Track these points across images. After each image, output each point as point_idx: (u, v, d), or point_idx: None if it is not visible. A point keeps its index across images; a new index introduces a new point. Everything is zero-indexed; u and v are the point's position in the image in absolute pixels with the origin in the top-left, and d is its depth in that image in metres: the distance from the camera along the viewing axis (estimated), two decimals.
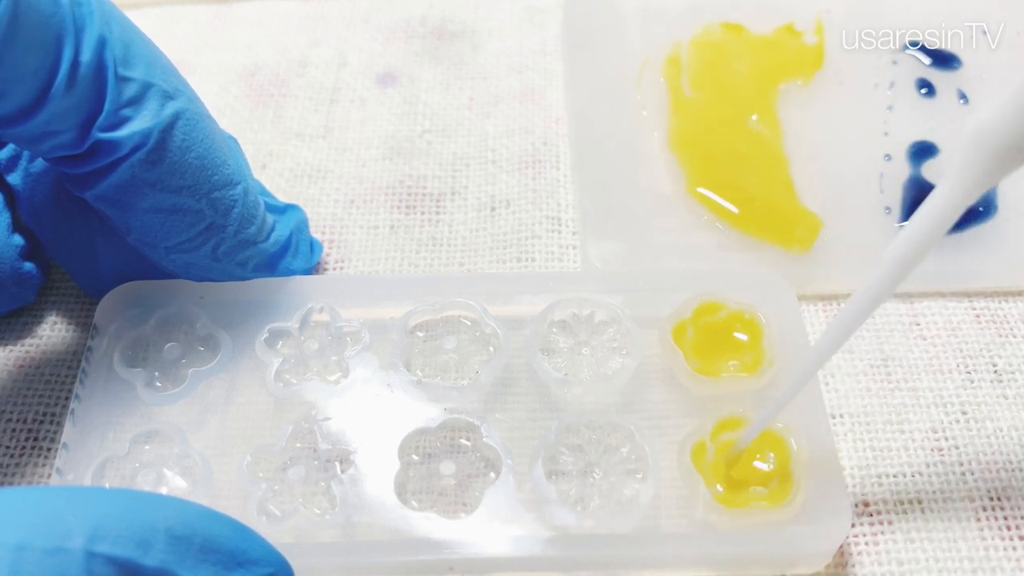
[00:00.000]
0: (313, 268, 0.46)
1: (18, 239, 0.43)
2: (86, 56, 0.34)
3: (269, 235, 0.43)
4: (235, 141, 0.44)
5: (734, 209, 0.47)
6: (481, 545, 0.36)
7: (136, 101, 0.36)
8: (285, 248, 0.44)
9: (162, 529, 0.28)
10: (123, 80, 0.36)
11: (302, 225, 0.46)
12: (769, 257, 0.46)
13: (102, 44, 0.35)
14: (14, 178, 0.42)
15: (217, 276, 0.42)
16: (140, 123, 0.36)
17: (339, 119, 0.54)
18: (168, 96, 0.37)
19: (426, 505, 0.38)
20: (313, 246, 0.46)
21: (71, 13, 0.34)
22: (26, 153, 0.42)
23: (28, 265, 0.44)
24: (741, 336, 0.41)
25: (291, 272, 0.44)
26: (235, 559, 0.29)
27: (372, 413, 0.39)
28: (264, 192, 0.45)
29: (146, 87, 0.37)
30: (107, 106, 0.35)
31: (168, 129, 0.37)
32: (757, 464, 0.38)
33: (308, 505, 0.37)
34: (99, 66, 0.35)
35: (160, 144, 0.37)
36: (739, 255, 0.46)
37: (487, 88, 0.55)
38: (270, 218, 0.43)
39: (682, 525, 0.37)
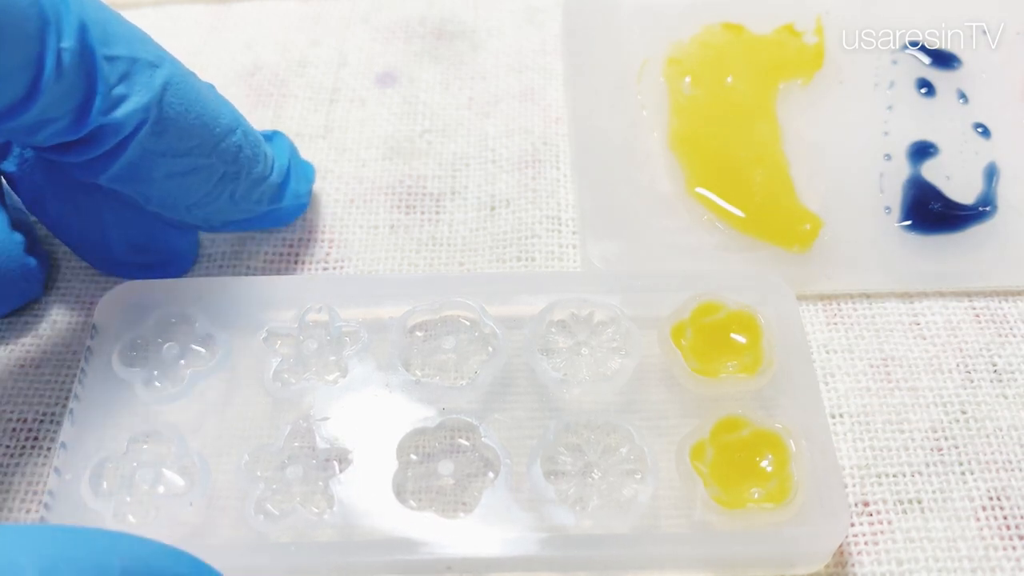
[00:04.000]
0: (312, 185, 0.48)
1: (18, 235, 0.43)
2: (69, 43, 0.35)
3: (273, 166, 0.44)
4: (213, 87, 0.44)
5: (734, 209, 0.47)
6: (479, 545, 0.36)
7: (127, 77, 0.37)
8: (288, 174, 0.45)
9: (117, 568, 0.27)
10: (110, 60, 0.36)
11: (293, 149, 0.47)
12: (769, 257, 0.46)
13: (83, 29, 0.35)
14: (8, 165, 0.42)
15: (236, 217, 0.43)
16: (137, 99, 0.37)
17: (339, 119, 0.53)
18: (154, 66, 0.38)
19: (424, 505, 0.38)
20: (307, 168, 0.47)
21: (49, 2, 0.34)
22: None
23: (32, 259, 0.44)
24: (740, 337, 0.41)
25: (299, 195, 0.46)
26: None
27: (370, 413, 0.39)
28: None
29: (132, 62, 0.37)
30: (100, 88, 0.36)
31: (163, 98, 0.38)
32: (756, 464, 0.38)
33: (306, 504, 0.37)
34: (84, 50, 0.35)
35: (160, 114, 0.37)
36: (739, 255, 0.46)
37: (487, 88, 0.55)
38: (269, 149, 0.44)
39: (681, 525, 0.37)
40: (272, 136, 0.46)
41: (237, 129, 0.41)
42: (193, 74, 0.40)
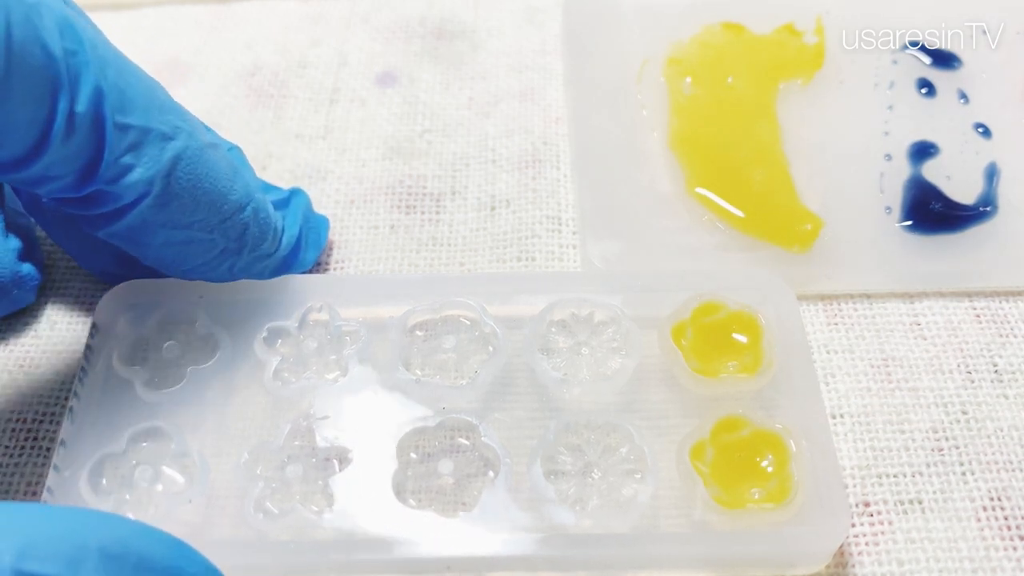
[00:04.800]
0: (324, 246, 0.47)
1: (14, 241, 0.43)
2: (82, 107, 0.34)
3: (281, 241, 0.43)
4: (239, 150, 0.44)
5: (734, 209, 0.47)
6: (479, 544, 0.36)
7: (135, 148, 0.36)
8: (297, 244, 0.44)
9: (95, 547, 0.27)
10: (121, 128, 0.35)
11: (308, 213, 0.46)
12: (769, 257, 0.46)
13: (98, 94, 0.35)
14: None
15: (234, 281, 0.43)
16: (142, 171, 0.36)
17: (339, 119, 0.53)
18: (167, 138, 0.37)
19: (424, 504, 0.38)
20: (320, 229, 0.47)
21: (65, 64, 0.34)
22: None
23: (26, 266, 0.44)
24: (740, 337, 0.40)
25: (305, 262, 0.45)
26: None
27: (370, 412, 0.39)
28: (267, 187, 0.45)
29: (145, 133, 0.36)
30: (107, 156, 0.35)
31: (171, 172, 0.37)
32: (756, 464, 0.37)
33: (306, 503, 0.37)
34: (96, 116, 0.35)
35: (165, 188, 0.37)
36: (739, 255, 0.46)
37: (487, 88, 0.55)
38: (280, 223, 0.43)
39: (681, 525, 0.37)
40: (290, 198, 0.46)
41: (247, 206, 0.40)
42: (215, 144, 0.40)
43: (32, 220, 0.45)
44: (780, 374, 0.40)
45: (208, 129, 0.41)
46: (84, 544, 0.27)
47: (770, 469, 0.37)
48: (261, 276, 0.43)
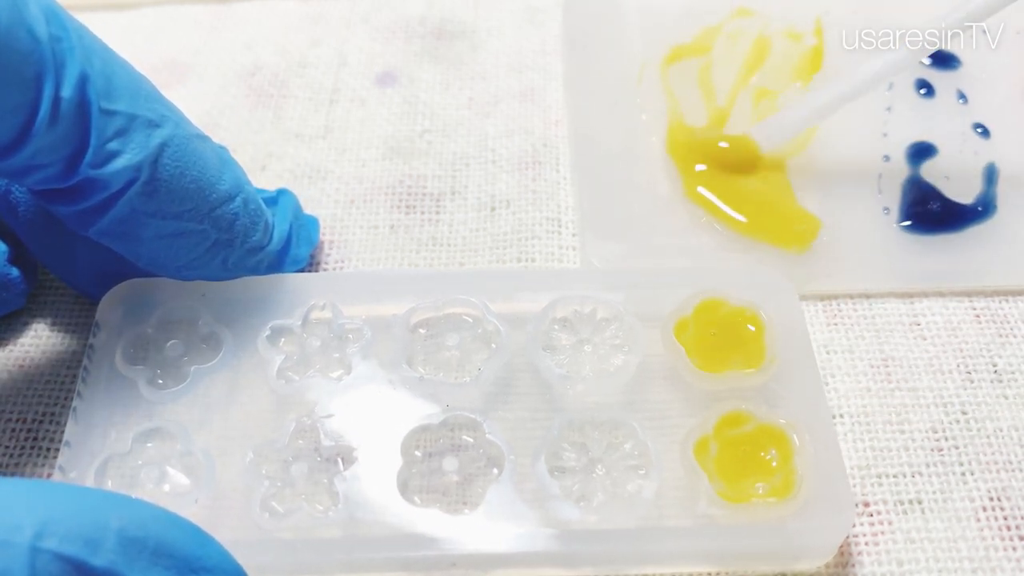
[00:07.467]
0: (316, 243, 0.47)
1: (2, 246, 0.43)
2: (67, 92, 0.34)
3: (272, 235, 0.43)
4: (226, 150, 0.44)
5: (732, 211, 0.47)
6: (484, 541, 0.36)
7: (122, 134, 0.36)
8: (288, 240, 0.44)
9: (114, 529, 0.27)
10: (107, 114, 0.36)
11: (297, 210, 0.46)
12: (768, 257, 0.46)
13: (84, 80, 0.35)
14: None
15: (230, 279, 0.42)
16: (129, 157, 0.36)
17: (339, 119, 0.53)
18: (154, 125, 0.37)
19: (429, 502, 0.38)
20: (311, 227, 0.47)
21: (51, 49, 0.34)
22: None
23: (15, 271, 0.43)
24: (742, 332, 0.41)
25: (299, 259, 0.45)
26: (189, 565, 0.29)
27: (374, 410, 0.39)
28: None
29: (131, 119, 0.36)
30: (93, 141, 0.35)
31: (158, 159, 0.37)
32: (760, 459, 0.38)
33: (311, 502, 0.37)
34: (81, 102, 0.35)
35: (153, 175, 0.37)
36: (738, 256, 0.46)
37: (487, 88, 0.55)
38: (271, 217, 0.43)
39: (685, 520, 0.37)
40: (277, 197, 0.46)
41: (237, 196, 0.40)
42: (200, 136, 0.40)
43: None
44: (783, 369, 0.40)
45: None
46: (104, 525, 0.27)
47: (774, 463, 0.37)
48: (256, 271, 0.43)
